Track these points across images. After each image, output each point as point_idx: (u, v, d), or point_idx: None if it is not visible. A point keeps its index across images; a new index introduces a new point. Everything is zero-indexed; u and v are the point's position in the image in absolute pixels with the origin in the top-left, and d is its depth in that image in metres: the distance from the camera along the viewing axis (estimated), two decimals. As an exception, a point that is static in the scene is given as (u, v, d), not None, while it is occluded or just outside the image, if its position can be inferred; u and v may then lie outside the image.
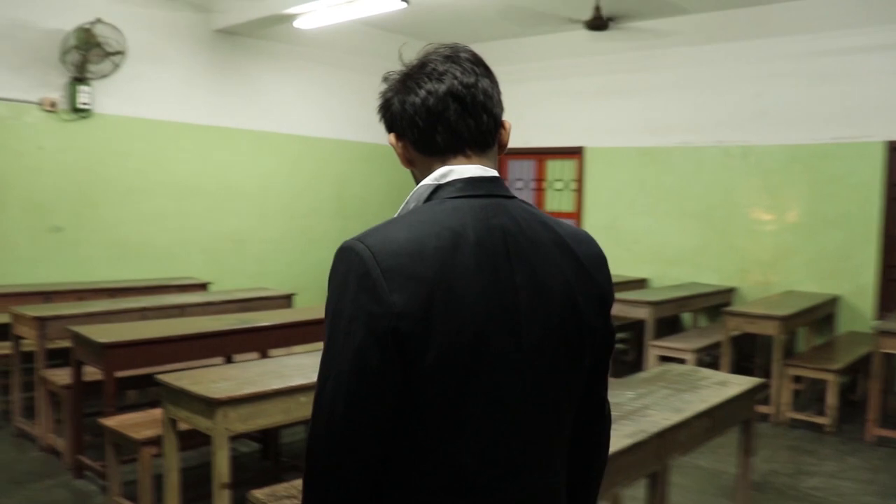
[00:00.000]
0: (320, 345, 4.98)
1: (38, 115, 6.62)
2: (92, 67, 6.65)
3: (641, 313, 6.44)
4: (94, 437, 4.28)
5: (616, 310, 4.52)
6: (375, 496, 1.13)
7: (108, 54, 6.62)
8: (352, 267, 1.09)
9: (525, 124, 8.71)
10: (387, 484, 1.13)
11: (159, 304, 5.24)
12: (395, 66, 1.28)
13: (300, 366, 3.34)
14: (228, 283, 7.65)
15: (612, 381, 2.10)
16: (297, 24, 7.29)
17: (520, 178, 9.54)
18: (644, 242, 8.44)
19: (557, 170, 9.25)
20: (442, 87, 1.16)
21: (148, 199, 7.35)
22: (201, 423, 2.86)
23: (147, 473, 3.30)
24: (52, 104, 6.66)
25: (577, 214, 8.92)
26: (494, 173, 1.20)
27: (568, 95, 8.94)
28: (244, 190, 8.16)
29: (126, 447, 3.45)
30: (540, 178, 9.39)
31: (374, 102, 1.29)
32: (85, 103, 6.76)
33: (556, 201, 9.24)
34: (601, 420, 1.34)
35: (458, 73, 1.16)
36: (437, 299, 1.07)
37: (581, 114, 8.89)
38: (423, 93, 1.17)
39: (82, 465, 4.19)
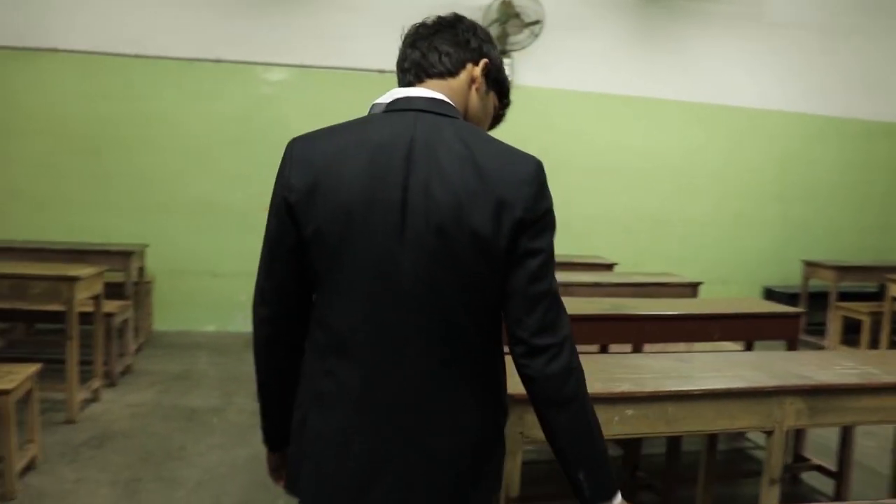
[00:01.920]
0: (706, 346, 4.18)
1: (464, 90, 6.81)
2: (511, 39, 6.60)
3: None
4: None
5: None
6: (295, 348, 1.45)
7: (526, 24, 6.50)
8: (283, 154, 1.39)
9: None
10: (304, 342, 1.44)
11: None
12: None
13: (662, 369, 2.61)
14: (645, 266, 7.04)
15: None
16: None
17: None
18: None
19: None
20: (408, 40, 1.48)
21: (565, 173, 7.10)
22: (498, 421, 2.36)
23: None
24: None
25: None
26: (435, 95, 1.39)
27: None
28: (668, 166, 7.43)
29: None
30: None
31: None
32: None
33: None
34: (532, 354, 1.34)
35: (420, 29, 1.47)
36: (322, 181, 1.32)
37: None
38: (401, 47, 1.48)
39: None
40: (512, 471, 2.31)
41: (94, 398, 4.55)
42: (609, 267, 6.20)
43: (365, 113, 1.43)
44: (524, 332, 1.33)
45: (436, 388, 1.35)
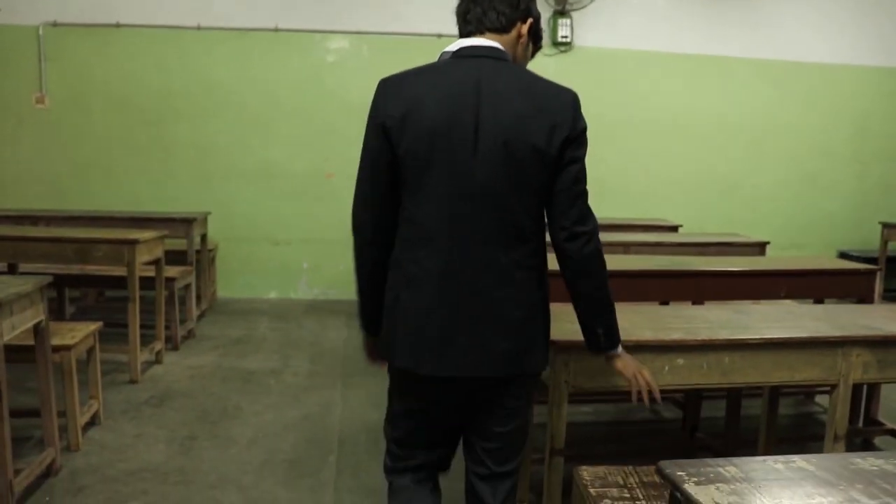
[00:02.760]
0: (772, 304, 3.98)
1: (522, 52, 6.66)
2: (571, -3, 6.41)
3: None
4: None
5: None
6: (388, 245, 1.79)
7: (587, -19, 6.28)
8: (376, 91, 1.74)
9: None
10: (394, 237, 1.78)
11: (603, 240, 4.74)
12: None
13: (718, 320, 2.47)
14: (712, 230, 6.79)
15: None
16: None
17: None
18: None
19: None
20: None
21: (630, 136, 6.90)
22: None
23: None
24: (535, 40, 6.63)
25: None
26: (493, 44, 1.73)
27: None
28: (738, 127, 7.12)
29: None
30: None
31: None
32: (564, 36, 6.59)
33: None
34: (572, 238, 1.73)
35: None
36: (412, 110, 1.67)
37: None
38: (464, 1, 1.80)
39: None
40: (557, 422, 2.23)
41: (156, 360, 4.66)
42: (673, 229, 5.99)
43: None
44: (567, 220, 1.72)
45: (498, 270, 1.70)
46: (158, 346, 4.66)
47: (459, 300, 1.71)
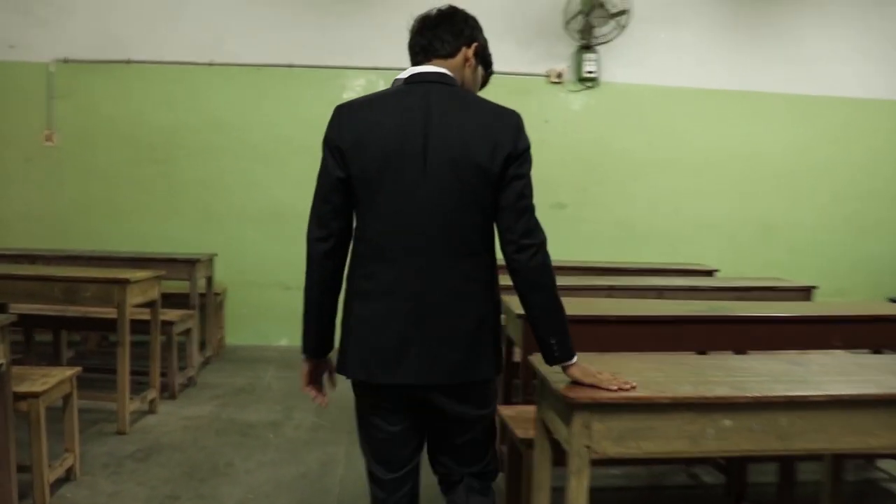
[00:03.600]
0: (815, 354, 3.56)
1: (545, 88, 6.41)
2: (596, 32, 6.14)
3: None
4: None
5: None
6: (338, 265, 1.88)
7: (612, 15, 6.03)
8: (331, 116, 1.85)
9: None
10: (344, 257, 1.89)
11: (631, 283, 4.38)
12: None
13: (770, 373, 2.08)
14: (750, 273, 6.36)
15: None
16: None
17: None
18: None
19: None
20: (416, 28, 1.93)
21: (659, 175, 6.56)
22: (560, 430, 1.90)
23: (529, 482, 2.47)
24: (559, 75, 6.37)
25: None
26: (440, 70, 1.85)
27: None
28: (773, 166, 6.74)
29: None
30: None
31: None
32: (590, 72, 6.31)
33: None
34: (519, 250, 1.77)
35: (426, 21, 1.92)
36: (364, 134, 1.78)
37: None
38: (411, 34, 1.94)
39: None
40: (577, 495, 1.85)
41: (150, 409, 4.33)
42: (709, 273, 5.60)
43: None
44: (513, 234, 1.77)
45: (448, 284, 1.79)
46: (152, 394, 4.34)
47: (410, 312, 1.79)
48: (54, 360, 5.07)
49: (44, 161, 6.15)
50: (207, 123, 6.19)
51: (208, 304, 5.58)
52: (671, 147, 6.57)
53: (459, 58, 1.89)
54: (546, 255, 1.80)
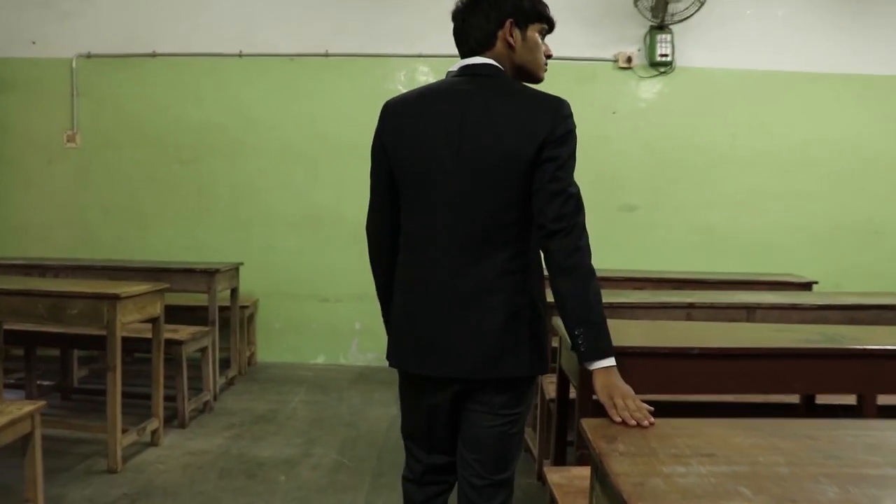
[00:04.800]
0: None
1: (612, 75, 5.66)
2: (671, 8, 5.36)
3: None
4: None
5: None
6: (396, 251, 1.90)
7: (690, -13, 5.24)
8: (380, 112, 1.87)
9: None
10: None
11: (714, 300, 3.61)
12: None
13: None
14: (853, 287, 5.47)
15: None
16: None
17: None
18: None
19: None
20: (455, 25, 1.88)
21: (744, 173, 5.72)
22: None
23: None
24: (628, 60, 5.61)
25: None
26: (486, 61, 1.80)
27: None
28: (882, 162, 5.79)
29: None
30: None
31: None
32: (664, 55, 5.53)
33: None
34: (549, 236, 1.69)
35: (455, 20, 1.87)
36: (406, 127, 1.80)
37: None
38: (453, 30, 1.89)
39: None
40: None
41: (151, 441, 3.79)
42: (806, 286, 4.75)
43: None
44: (544, 218, 1.70)
45: (479, 276, 1.75)
46: (154, 424, 3.79)
47: (441, 304, 1.78)
48: (62, 379, 4.62)
49: (66, 163, 5.75)
50: (237, 120, 5.68)
51: (233, 319, 5.04)
52: (758, 140, 5.72)
53: (499, 45, 1.81)
54: (579, 237, 1.69)
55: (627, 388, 1.61)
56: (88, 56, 5.67)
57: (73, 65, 5.68)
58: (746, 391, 2.58)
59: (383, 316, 2.00)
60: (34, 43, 5.70)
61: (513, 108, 1.72)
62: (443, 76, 1.88)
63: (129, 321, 3.50)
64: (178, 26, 5.65)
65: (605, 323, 1.69)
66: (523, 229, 1.76)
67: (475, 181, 1.72)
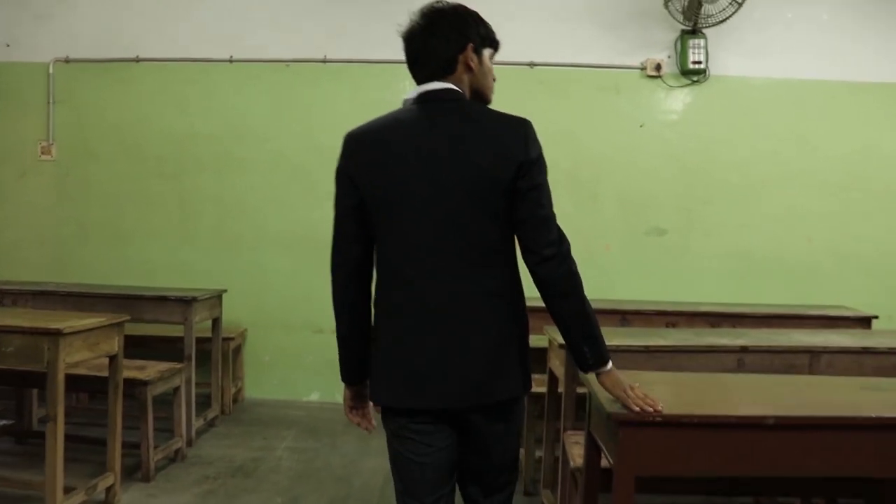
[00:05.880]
0: None
1: (639, 84, 5.13)
2: (705, 11, 4.83)
3: None
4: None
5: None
6: (363, 288, 1.84)
7: (726, -14, 4.71)
8: (342, 144, 1.82)
9: None
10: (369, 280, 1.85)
11: (775, 343, 3.03)
12: None
13: None
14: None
15: None
16: None
17: None
18: None
19: None
20: (407, 48, 1.86)
21: (785, 193, 5.17)
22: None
23: None
24: (657, 67, 5.08)
25: None
26: (446, 86, 1.79)
27: None
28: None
29: None
30: None
31: None
32: (697, 62, 5.00)
33: None
34: (543, 261, 1.73)
35: (411, 43, 1.85)
36: (373, 158, 1.76)
37: None
38: (406, 53, 1.87)
39: None
40: None
41: (105, 500, 3.25)
42: (864, 322, 4.19)
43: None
44: (535, 245, 1.74)
45: (466, 302, 1.75)
46: (109, 480, 3.25)
47: (430, 333, 1.76)
48: (18, 420, 4.09)
49: (39, 177, 5.27)
50: (227, 131, 5.18)
51: (215, 353, 4.51)
52: (801, 157, 5.16)
53: (460, 69, 1.83)
54: (571, 262, 1.76)
55: (630, 381, 1.84)
56: (66, 60, 5.21)
57: (50, 70, 5.21)
58: (841, 471, 2.01)
59: (345, 362, 1.92)
60: (7, 46, 5.26)
61: (484, 133, 1.75)
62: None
63: (77, 360, 2.97)
64: (163, 29, 5.18)
65: (601, 333, 1.80)
66: (506, 251, 1.80)
67: (455, 206, 1.73)
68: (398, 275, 1.78)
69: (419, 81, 1.82)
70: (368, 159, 1.76)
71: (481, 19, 1.86)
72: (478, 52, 1.83)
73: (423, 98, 1.79)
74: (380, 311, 1.82)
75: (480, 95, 1.87)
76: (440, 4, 1.85)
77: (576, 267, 1.76)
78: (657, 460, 1.84)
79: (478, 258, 1.74)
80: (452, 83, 1.80)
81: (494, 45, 1.89)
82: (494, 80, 1.91)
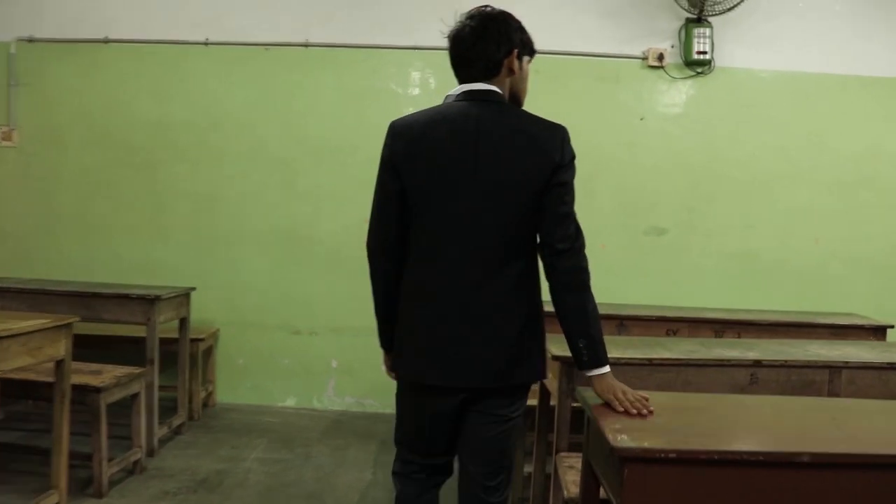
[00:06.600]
0: None
1: (640, 75, 4.84)
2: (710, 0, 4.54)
3: None
4: None
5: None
6: (398, 268, 1.98)
7: (736, -29, 4.42)
8: (387, 132, 1.96)
9: None
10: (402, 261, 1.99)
11: (791, 357, 2.74)
12: None
13: None
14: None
15: None
16: None
17: None
18: None
19: None
20: (455, 51, 1.96)
21: (793, 191, 4.89)
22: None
23: None
24: (659, 57, 4.79)
25: None
26: (489, 87, 1.92)
27: None
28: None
29: None
30: None
31: None
32: (701, 52, 4.71)
33: None
34: (557, 254, 1.86)
35: (461, 46, 1.95)
36: (419, 148, 1.89)
37: None
38: (451, 55, 1.99)
39: None
40: None
41: (49, 521, 2.94)
42: (879, 332, 3.91)
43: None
44: (551, 238, 1.87)
45: (492, 289, 1.88)
46: (53, 498, 2.94)
47: (456, 316, 1.88)
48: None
49: (1, 166, 4.93)
50: (202, 118, 4.86)
51: (181, 355, 4.21)
52: (809, 154, 4.88)
53: (504, 72, 1.94)
54: (583, 259, 1.88)
55: (624, 386, 1.84)
56: (30, 40, 4.88)
57: (12, 50, 4.88)
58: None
59: (383, 334, 2.08)
60: (-33, 24, 4.92)
61: (523, 134, 1.88)
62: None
63: (15, 367, 2.66)
64: (135, 8, 4.85)
65: (602, 335, 1.88)
66: (531, 245, 1.92)
67: (491, 201, 1.86)
68: (430, 260, 1.91)
69: (462, 80, 1.96)
70: (413, 150, 1.89)
71: (523, 27, 1.97)
72: (520, 58, 1.96)
73: (467, 96, 1.92)
74: (407, 291, 1.96)
75: (516, 98, 2.00)
76: (488, 8, 1.95)
77: (586, 264, 1.88)
78: (668, 503, 1.55)
79: (505, 251, 1.88)
80: (495, 85, 1.93)
81: (533, 52, 2.02)
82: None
